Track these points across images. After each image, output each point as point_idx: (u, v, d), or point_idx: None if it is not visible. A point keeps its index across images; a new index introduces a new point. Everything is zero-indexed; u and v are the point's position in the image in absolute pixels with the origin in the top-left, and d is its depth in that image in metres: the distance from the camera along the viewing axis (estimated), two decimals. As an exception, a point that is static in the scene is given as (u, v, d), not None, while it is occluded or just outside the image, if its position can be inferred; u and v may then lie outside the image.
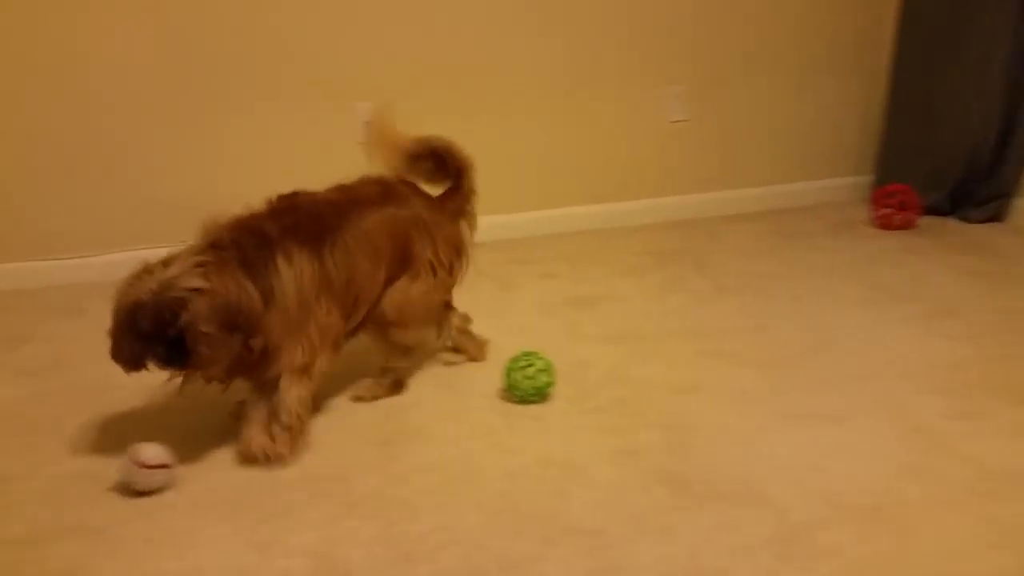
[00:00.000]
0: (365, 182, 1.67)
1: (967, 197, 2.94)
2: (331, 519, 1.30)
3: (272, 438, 1.45)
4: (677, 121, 3.01)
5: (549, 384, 1.64)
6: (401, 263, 1.62)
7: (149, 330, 1.30)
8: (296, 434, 1.46)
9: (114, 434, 1.55)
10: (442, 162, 1.78)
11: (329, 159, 2.66)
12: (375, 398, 1.68)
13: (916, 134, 3.01)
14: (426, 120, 2.75)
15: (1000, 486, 1.38)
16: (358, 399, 1.68)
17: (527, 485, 1.38)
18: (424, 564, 1.19)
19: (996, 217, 2.89)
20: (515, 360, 1.64)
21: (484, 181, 2.91)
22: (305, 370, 1.47)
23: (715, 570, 1.18)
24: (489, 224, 2.86)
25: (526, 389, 1.62)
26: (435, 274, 1.68)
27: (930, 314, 2.08)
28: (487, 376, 1.76)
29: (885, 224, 2.85)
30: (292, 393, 1.45)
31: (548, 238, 2.86)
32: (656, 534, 1.26)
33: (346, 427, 1.58)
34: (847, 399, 1.67)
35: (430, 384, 1.76)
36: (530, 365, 1.62)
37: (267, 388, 1.47)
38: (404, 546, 1.23)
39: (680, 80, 2.98)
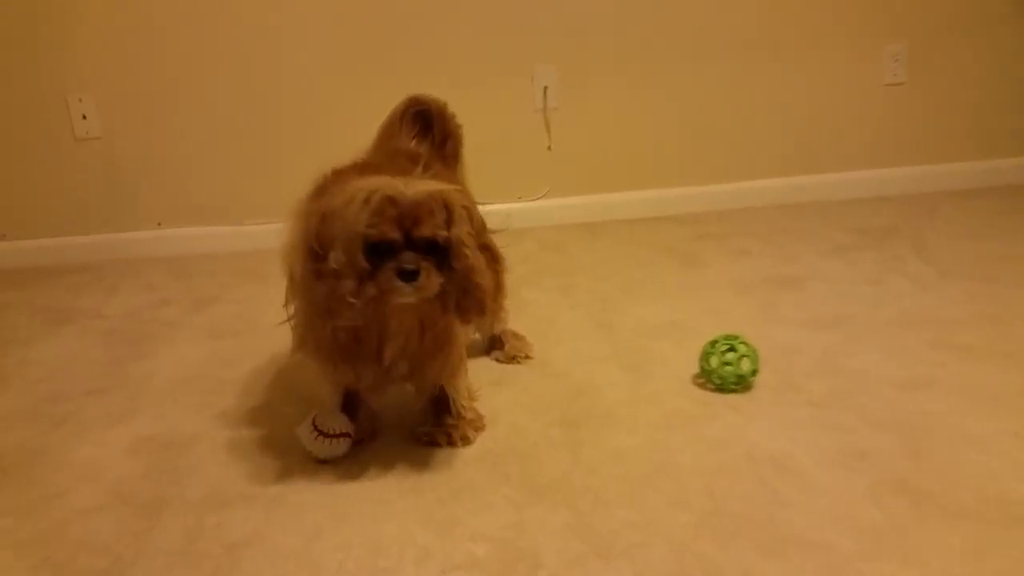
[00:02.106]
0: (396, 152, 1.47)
1: None
2: (515, 505, 1.19)
3: (448, 433, 1.34)
4: (892, 84, 2.67)
5: (754, 372, 1.45)
6: None
7: (425, 234, 1.12)
8: (478, 425, 1.37)
9: (297, 399, 1.54)
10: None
11: (512, 118, 2.61)
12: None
13: None
14: (606, 83, 2.62)
15: None
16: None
17: (735, 484, 1.21)
18: (622, 561, 1.06)
19: None
20: (714, 343, 1.46)
21: (666, 151, 2.75)
22: (464, 357, 1.36)
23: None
24: (672, 197, 2.70)
25: (727, 376, 1.44)
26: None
27: None
28: (678, 359, 1.60)
29: None
30: (460, 382, 1.35)
31: (738, 212, 2.63)
32: (898, 554, 1.05)
33: (528, 404, 1.47)
34: None
35: (613, 365, 1.61)
36: (731, 350, 1.44)
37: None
38: (597, 540, 1.10)
39: (897, 38, 2.63)
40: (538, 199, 2.66)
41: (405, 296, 1.13)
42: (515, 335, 1.69)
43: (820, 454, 1.27)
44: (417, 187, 1.14)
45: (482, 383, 1.49)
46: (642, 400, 1.46)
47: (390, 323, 1.20)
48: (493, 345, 1.68)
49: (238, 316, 2.02)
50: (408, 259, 1.12)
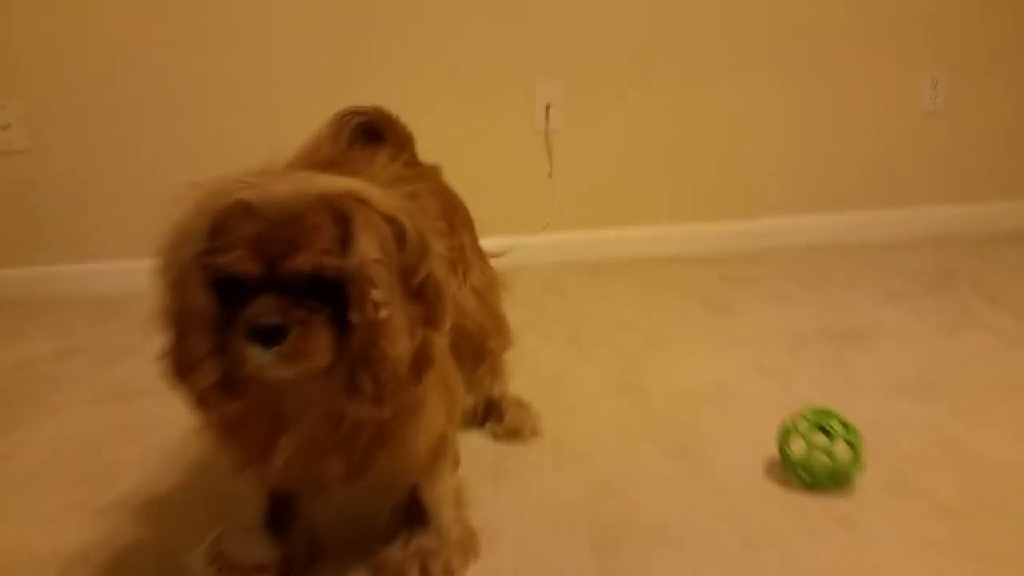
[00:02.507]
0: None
1: None
2: None
3: (423, 564, 0.89)
4: (932, 112, 2.35)
5: (857, 465, 1.04)
6: None
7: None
8: (469, 548, 0.93)
9: (214, 497, 1.10)
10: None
11: (508, 140, 2.23)
12: None
13: None
14: (617, 102, 2.27)
15: None
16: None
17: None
18: None
19: None
20: (800, 421, 1.05)
21: (683, 182, 2.39)
22: (449, 444, 0.93)
23: None
24: (690, 233, 2.32)
25: (819, 470, 1.03)
26: None
27: None
28: (736, 438, 1.19)
29: None
30: (441, 485, 0.91)
31: (765, 252, 2.25)
32: None
33: (540, 510, 1.04)
34: None
35: (651, 446, 1.19)
36: (823, 430, 1.03)
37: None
38: None
39: (938, 62, 2.32)
40: (537, 234, 2.26)
41: (269, 370, 0.69)
42: (518, 403, 1.27)
43: (982, 596, 0.86)
44: (295, 186, 0.71)
45: (473, 475, 1.07)
46: (702, 503, 1.04)
47: (285, 403, 0.76)
48: (488, 414, 1.26)
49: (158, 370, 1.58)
50: (266, 309, 0.68)
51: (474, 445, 1.20)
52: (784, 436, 1.06)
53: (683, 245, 2.29)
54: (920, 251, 2.22)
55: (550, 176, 2.26)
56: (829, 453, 1.02)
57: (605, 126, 2.26)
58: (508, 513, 1.03)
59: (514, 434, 1.22)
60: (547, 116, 2.22)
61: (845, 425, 1.04)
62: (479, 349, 1.13)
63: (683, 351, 1.58)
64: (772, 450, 1.09)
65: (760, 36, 2.24)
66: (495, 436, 1.23)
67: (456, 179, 1.19)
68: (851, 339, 1.60)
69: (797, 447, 1.04)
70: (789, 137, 2.32)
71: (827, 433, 1.03)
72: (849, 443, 1.03)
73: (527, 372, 1.41)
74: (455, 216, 1.10)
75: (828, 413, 1.06)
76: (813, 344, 1.58)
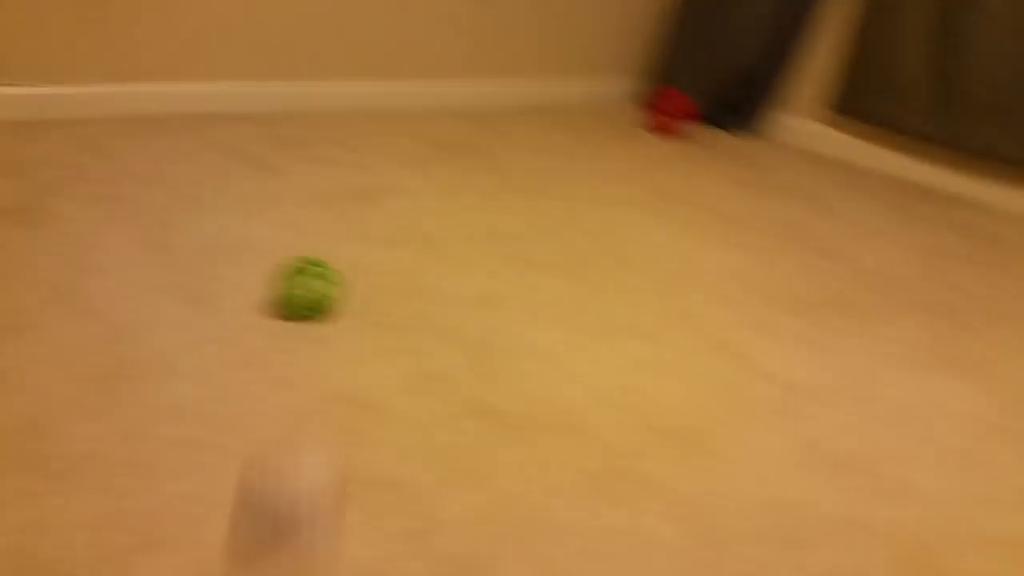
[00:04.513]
0: None
1: (734, 106, 3.01)
2: (31, 497, 0.92)
3: None
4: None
5: (328, 297, 1.33)
6: None
7: None
8: None
9: None
10: None
11: None
12: None
13: (694, 43, 3.01)
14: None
15: (797, 403, 1.38)
16: None
17: (311, 429, 1.10)
18: (169, 552, 0.88)
19: (758, 126, 3.01)
20: (288, 265, 1.31)
21: (229, 39, 2.42)
22: None
23: (535, 512, 1.02)
24: (241, 93, 2.40)
25: (301, 302, 1.31)
26: None
27: (711, 223, 2.08)
28: (251, 286, 1.42)
29: (659, 128, 2.84)
30: None
31: (318, 115, 2.46)
32: (469, 479, 1.06)
33: (49, 357, 1.16)
34: (649, 312, 1.59)
35: (169, 297, 1.36)
36: (301, 272, 1.30)
37: None
38: (141, 527, 0.91)
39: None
40: (78, 87, 2.14)
41: None
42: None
43: (398, 383, 1.23)
44: None
45: (-18, 332, 1.13)
46: (204, 339, 1.26)
47: None
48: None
49: None
50: None
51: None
52: (279, 277, 1.31)
53: (239, 103, 2.38)
54: (446, 123, 2.62)
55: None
56: (308, 288, 1.30)
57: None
58: (16, 364, 1.12)
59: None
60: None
61: (322, 265, 1.32)
62: None
63: (218, 208, 1.74)
64: (275, 292, 1.35)
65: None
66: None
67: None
68: (369, 197, 1.91)
69: (285, 285, 1.31)
70: (353, 9, 2.49)
71: (304, 273, 1.30)
72: (323, 278, 1.31)
73: (58, 236, 1.45)
74: None
75: (312, 258, 1.33)
76: (338, 202, 1.86)
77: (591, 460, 1.14)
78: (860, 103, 2.79)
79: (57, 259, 1.37)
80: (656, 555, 1.01)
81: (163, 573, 0.85)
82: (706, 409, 1.31)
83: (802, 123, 2.99)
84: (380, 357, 1.29)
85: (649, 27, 3.18)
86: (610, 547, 1.01)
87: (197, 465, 1.00)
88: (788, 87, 2.98)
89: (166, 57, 2.28)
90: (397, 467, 1.06)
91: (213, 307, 1.35)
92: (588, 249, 1.83)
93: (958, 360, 1.61)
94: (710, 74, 2.97)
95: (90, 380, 1.12)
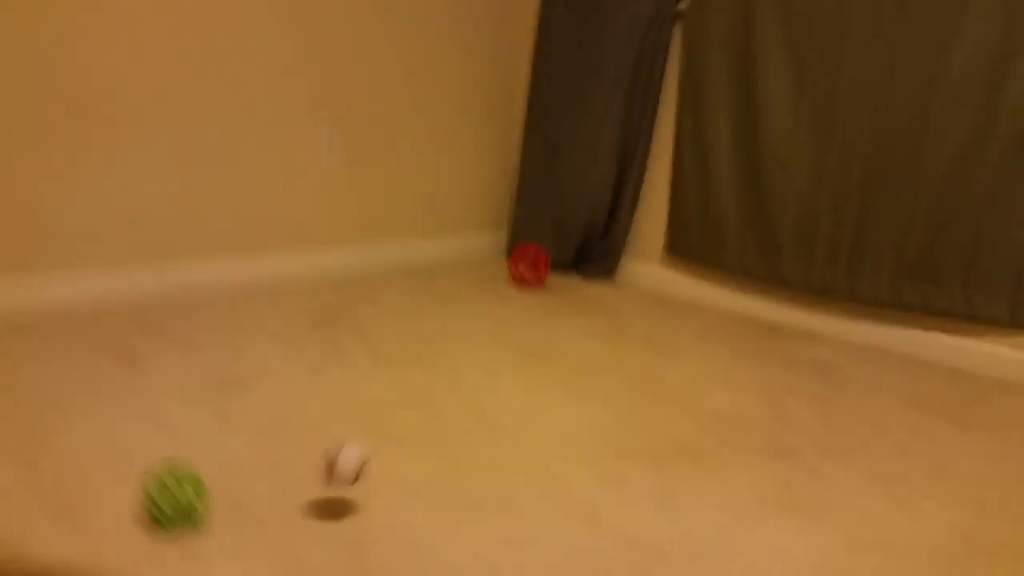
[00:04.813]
0: None
1: (586, 255, 3.30)
2: None
3: None
4: (329, 167, 2.91)
5: (194, 507, 1.36)
6: None
7: None
8: None
9: None
10: None
11: None
12: None
13: (543, 195, 3.31)
14: (37, 152, 2.23)
15: (647, 564, 1.50)
16: None
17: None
18: None
19: (610, 274, 3.30)
20: (154, 475, 1.35)
21: (91, 230, 2.46)
22: None
23: None
24: (107, 283, 2.43)
25: (168, 515, 1.34)
26: None
27: (570, 378, 2.26)
28: (122, 496, 1.44)
29: (520, 281, 3.07)
30: None
31: (180, 299, 2.51)
32: None
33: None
34: (512, 480, 1.70)
35: (36, 512, 1.37)
36: (164, 485, 1.34)
37: None
38: None
39: (332, 122, 2.89)
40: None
41: None
42: None
43: (272, 590, 1.27)
44: None
45: None
46: (77, 557, 1.27)
47: None
48: None
49: None
50: None
51: None
52: (144, 489, 1.35)
53: (106, 294, 2.42)
54: (317, 292, 2.74)
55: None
56: (174, 500, 1.34)
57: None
58: None
59: None
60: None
61: (184, 471, 1.37)
62: None
63: (89, 413, 1.76)
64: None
65: (193, 113, 2.48)
66: None
67: None
68: (240, 383, 1.97)
69: (152, 498, 1.34)
70: (216, 185, 2.62)
71: (177, 484, 1.35)
72: (183, 485, 1.36)
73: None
74: None
75: (179, 469, 1.38)
76: (209, 393, 1.91)
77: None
78: (687, 246, 3.04)
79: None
80: None
81: None
82: (565, 576, 1.42)
83: (650, 267, 3.28)
84: (258, 565, 1.33)
85: (505, 185, 3.48)
86: None
87: None
88: (633, 234, 3.30)
89: (23, 248, 2.31)
90: None
91: (80, 523, 1.36)
92: (453, 418, 1.95)
93: (803, 504, 1.71)
94: (559, 227, 3.27)
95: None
